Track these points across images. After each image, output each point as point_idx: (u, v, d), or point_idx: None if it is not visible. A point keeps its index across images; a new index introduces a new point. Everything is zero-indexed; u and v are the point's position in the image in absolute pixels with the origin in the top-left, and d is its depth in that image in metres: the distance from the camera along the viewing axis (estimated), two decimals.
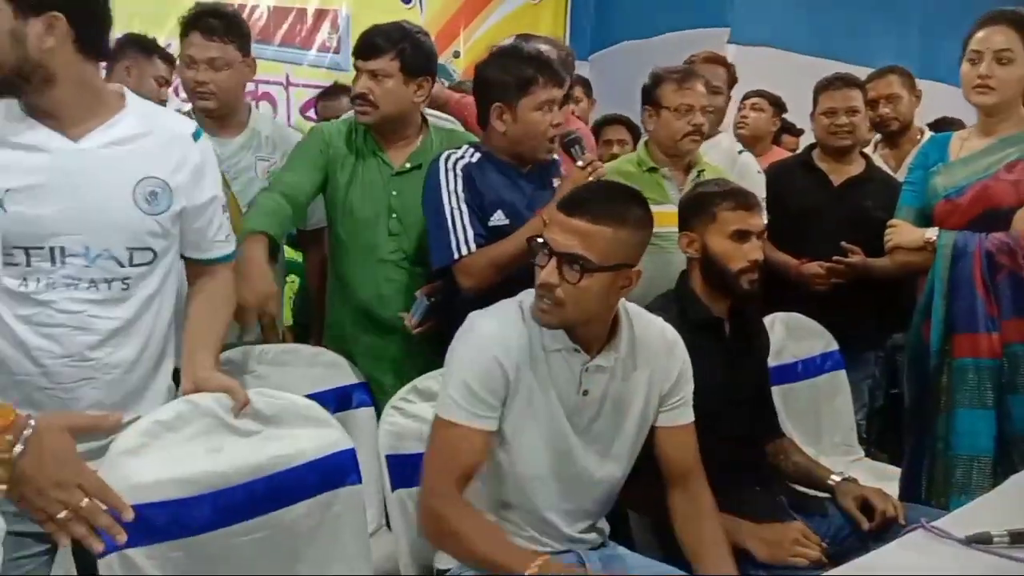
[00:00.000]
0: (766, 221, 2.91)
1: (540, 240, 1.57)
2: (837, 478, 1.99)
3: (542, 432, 1.62)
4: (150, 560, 1.39)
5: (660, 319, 1.76)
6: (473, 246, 2.06)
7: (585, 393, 1.63)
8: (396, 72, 2.20)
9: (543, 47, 2.51)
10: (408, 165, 2.28)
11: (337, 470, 1.62)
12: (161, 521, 1.41)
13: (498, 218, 2.12)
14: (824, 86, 3.01)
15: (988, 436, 2.17)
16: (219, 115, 2.34)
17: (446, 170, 2.12)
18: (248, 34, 2.36)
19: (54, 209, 1.45)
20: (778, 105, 4.08)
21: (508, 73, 2.13)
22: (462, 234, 2.06)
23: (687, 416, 1.74)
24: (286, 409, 1.62)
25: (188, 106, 2.41)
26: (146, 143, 1.54)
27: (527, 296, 1.65)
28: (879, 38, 5.07)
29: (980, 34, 2.25)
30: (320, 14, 4.72)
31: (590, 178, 2.02)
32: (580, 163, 2.08)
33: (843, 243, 2.77)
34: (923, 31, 5.42)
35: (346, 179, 2.29)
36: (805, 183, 2.99)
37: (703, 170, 2.70)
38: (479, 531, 1.54)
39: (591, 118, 3.96)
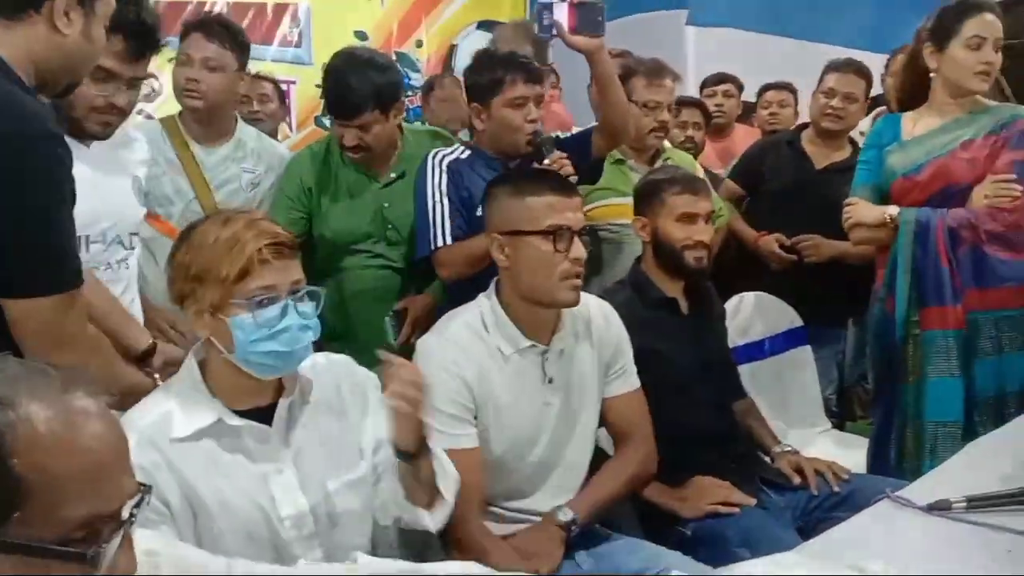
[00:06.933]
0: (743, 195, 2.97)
1: (569, 228, 1.64)
2: (779, 448, 2.06)
3: (512, 433, 1.67)
4: None
5: (591, 295, 1.82)
6: (450, 239, 2.17)
7: (551, 381, 1.69)
8: (379, 118, 2.25)
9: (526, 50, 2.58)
10: (393, 175, 2.37)
11: None
12: None
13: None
14: (833, 67, 2.98)
15: (957, 403, 2.23)
16: (205, 119, 2.33)
17: (432, 166, 2.24)
18: (247, 47, 2.35)
19: None
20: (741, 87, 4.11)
21: (481, 76, 2.25)
22: (440, 227, 2.17)
23: (631, 383, 1.82)
24: None
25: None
26: None
27: (476, 309, 1.70)
28: (837, 15, 5.10)
29: (986, 18, 2.23)
30: (279, 8, 4.70)
31: None
32: (547, 161, 2.13)
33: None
34: (880, 5, 5.45)
35: (329, 200, 2.36)
36: (787, 163, 3.00)
37: (669, 158, 2.73)
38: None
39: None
